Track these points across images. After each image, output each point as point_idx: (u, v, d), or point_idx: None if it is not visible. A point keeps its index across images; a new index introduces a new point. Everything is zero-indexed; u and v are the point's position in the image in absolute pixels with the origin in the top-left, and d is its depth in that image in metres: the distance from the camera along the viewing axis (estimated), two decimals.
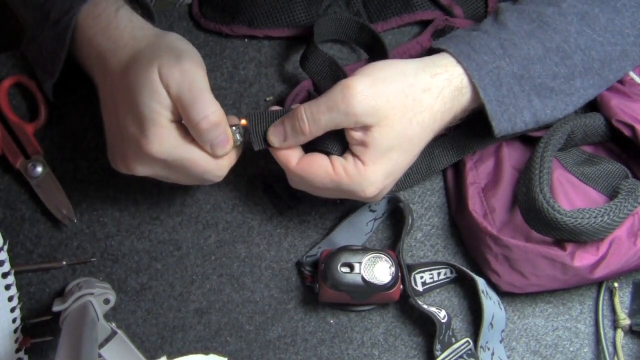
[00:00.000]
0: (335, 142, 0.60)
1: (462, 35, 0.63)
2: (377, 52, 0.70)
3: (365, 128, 0.57)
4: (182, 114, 0.57)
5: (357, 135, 0.58)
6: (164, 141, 0.57)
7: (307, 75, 0.68)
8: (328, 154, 0.60)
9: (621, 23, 0.63)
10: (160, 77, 0.56)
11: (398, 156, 0.59)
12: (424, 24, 0.74)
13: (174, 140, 0.57)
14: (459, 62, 0.60)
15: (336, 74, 0.65)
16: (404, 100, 0.58)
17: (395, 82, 0.58)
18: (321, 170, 0.59)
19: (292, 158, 0.60)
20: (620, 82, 0.67)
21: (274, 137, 0.60)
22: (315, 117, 0.58)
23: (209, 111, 0.56)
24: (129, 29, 0.60)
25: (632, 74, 0.67)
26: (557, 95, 0.62)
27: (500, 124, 0.61)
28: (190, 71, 0.56)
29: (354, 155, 0.59)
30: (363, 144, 0.58)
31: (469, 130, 0.67)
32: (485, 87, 0.60)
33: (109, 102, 0.60)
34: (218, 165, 0.60)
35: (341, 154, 0.60)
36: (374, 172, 0.59)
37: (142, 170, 0.59)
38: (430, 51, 0.64)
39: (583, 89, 0.63)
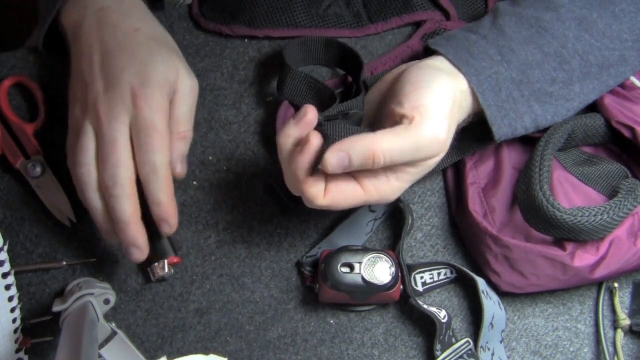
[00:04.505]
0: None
1: (460, 38, 0.62)
2: (351, 65, 0.70)
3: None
4: (172, 115, 0.63)
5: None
6: (155, 102, 0.60)
7: (287, 99, 0.67)
8: None
9: (619, 28, 0.63)
10: (177, 78, 0.63)
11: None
12: (423, 23, 0.74)
13: (163, 105, 0.61)
14: (457, 68, 0.60)
15: (319, 91, 0.65)
16: (452, 127, 0.59)
17: (452, 113, 0.58)
18: (351, 198, 0.58)
19: (320, 193, 0.57)
20: (621, 86, 0.66)
21: (336, 159, 0.54)
22: (392, 155, 0.55)
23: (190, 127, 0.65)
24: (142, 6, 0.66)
25: (633, 78, 0.67)
26: (556, 100, 0.62)
27: (501, 129, 0.61)
28: (195, 93, 0.65)
29: (385, 173, 0.58)
30: (410, 168, 0.58)
31: (469, 131, 0.67)
32: (484, 93, 0.60)
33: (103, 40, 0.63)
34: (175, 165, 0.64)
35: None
36: (402, 187, 0.59)
37: (105, 107, 0.60)
38: (425, 50, 0.64)
39: (583, 94, 0.63)
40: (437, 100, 0.57)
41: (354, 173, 0.58)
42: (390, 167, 0.57)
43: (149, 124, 0.59)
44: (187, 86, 0.64)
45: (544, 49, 0.61)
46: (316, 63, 0.72)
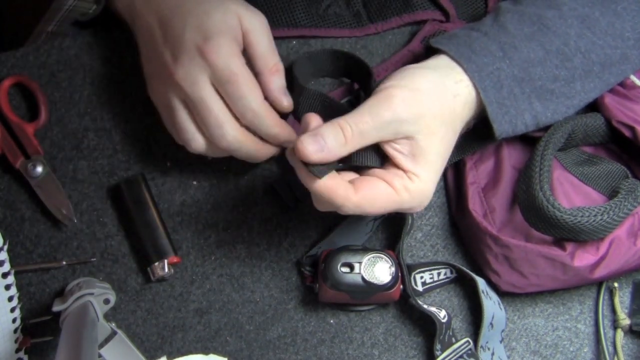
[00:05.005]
0: (372, 153, 0.58)
1: (461, 36, 0.62)
2: (358, 73, 0.70)
3: (409, 138, 0.56)
4: (255, 54, 0.62)
5: (403, 147, 0.57)
6: (224, 50, 0.59)
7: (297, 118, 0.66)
8: (363, 168, 0.58)
9: (621, 27, 0.63)
10: (240, 20, 0.61)
11: (442, 163, 0.59)
12: (424, 24, 0.74)
13: (234, 50, 0.60)
14: (459, 64, 0.60)
15: (333, 109, 0.64)
16: (441, 109, 0.57)
17: (431, 91, 0.57)
18: (384, 196, 0.56)
19: (350, 191, 0.55)
20: (621, 85, 0.66)
21: (311, 146, 0.54)
22: (360, 128, 0.55)
23: (278, 59, 0.64)
24: None
25: (633, 77, 0.67)
26: (557, 98, 0.62)
27: (501, 126, 0.61)
28: (266, 22, 0.63)
29: (405, 170, 0.57)
30: (412, 156, 0.57)
31: (469, 130, 0.67)
32: (485, 89, 0.60)
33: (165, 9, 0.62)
34: (264, 108, 0.61)
35: (381, 165, 0.58)
36: (431, 183, 0.58)
37: (184, 71, 0.60)
38: (427, 50, 0.64)
39: (584, 92, 0.63)
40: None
41: (378, 173, 0.57)
42: (403, 162, 0.57)
43: (227, 73, 0.59)
44: (254, 24, 0.62)
45: (546, 47, 0.61)
46: (324, 75, 0.72)
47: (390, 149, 0.57)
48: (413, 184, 0.57)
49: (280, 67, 0.64)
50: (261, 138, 0.63)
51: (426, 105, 0.57)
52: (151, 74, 0.64)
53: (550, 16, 0.62)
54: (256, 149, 0.63)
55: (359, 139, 0.56)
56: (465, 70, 0.59)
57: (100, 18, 0.69)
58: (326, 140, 0.55)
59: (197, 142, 0.63)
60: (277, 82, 0.63)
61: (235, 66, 0.60)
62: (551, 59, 0.61)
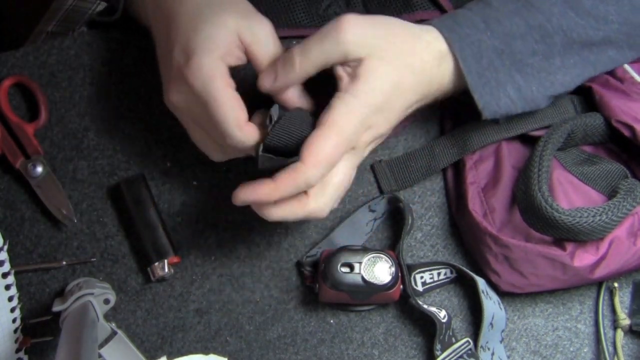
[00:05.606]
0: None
1: (447, 14, 0.63)
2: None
3: (357, 61, 0.56)
4: (261, 68, 0.59)
5: (349, 69, 0.57)
6: (204, 72, 0.56)
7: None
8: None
9: (605, 9, 0.63)
10: (239, 33, 0.58)
11: (389, 90, 0.57)
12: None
13: (216, 71, 0.57)
14: (440, 32, 0.60)
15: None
16: (394, 39, 0.57)
17: (388, 23, 0.58)
18: (321, 138, 0.55)
19: (296, 163, 0.55)
20: (620, 80, 0.66)
21: (266, 78, 0.58)
22: (306, 48, 0.56)
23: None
24: None
25: (632, 73, 0.67)
26: (538, 72, 0.62)
27: (483, 97, 0.61)
28: (271, 28, 0.60)
29: (341, 91, 0.57)
30: (354, 76, 0.56)
31: (468, 128, 0.67)
32: (465, 58, 0.60)
33: (176, 16, 0.59)
34: (243, 129, 0.57)
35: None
36: (366, 100, 0.56)
37: (175, 98, 0.58)
38: None
39: (564, 68, 0.63)
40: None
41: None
42: (343, 85, 0.57)
43: (204, 97, 0.56)
44: (257, 35, 0.59)
45: (528, 22, 0.61)
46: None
47: (339, 70, 0.57)
48: (345, 105, 0.56)
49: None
50: None
51: (376, 29, 0.57)
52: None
53: None
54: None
55: (307, 62, 0.56)
56: (446, 39, 0.60)
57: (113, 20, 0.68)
58: (277, 68, 0.57)
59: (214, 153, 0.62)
60: (289, 90, 0.60)
61: (213, 89, 0.56)
62: (532, 34, 0.61)
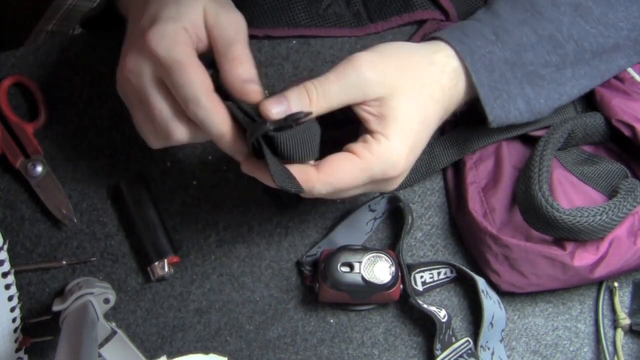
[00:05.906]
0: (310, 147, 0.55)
1: (455, 25, 0.63)
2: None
3: (379, 100, 0.55)
4: (217, 49, 0.55)
5: (372, 109, 0.56)
6: (167, 38, 0.54)
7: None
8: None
9: (614, 16, 0.63)
10: (205, 14, 0.56)
11: (418, 128, 0.57)
12: (424, 24, 0.74)
13: (180, 38, 0.54)
14: (451, 46, 0.60)
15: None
16: (412, 72, 0.57)
17: (400, 55, 0.57)
18: (347, 164, 0.55)
19: (311, 171, 0.54)
20: (620, 79, 0.66)
21: (275, 105, 0.53)
22: (325, 88, 0.54)
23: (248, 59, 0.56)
24: None
25: (633, 72, 0.67)
26: (549, 84, 0.62)
27: (494, 110, 0.61)
28: (240, 21, 0.57)
29: (372, 132, 0.56)
30: (381, 116, 0.56)
31: (468, 128, 0.67)
32: (477, 71, 0.60)
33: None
34: (210, 95, 0.54)
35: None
36: (400, 144, 0.56)
37: (132, 63, 0.55)
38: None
39: (574, 79, 0.63)
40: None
41: (347, 147, 0.56)
42: (372, 124, 0.56)
43: (169, 61, 0.53)
44: (223, 22, 0.56)
45: (538, 32, 0.61)
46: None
47: (361, 111, 0.56)
48: (378, 145, 0.55)
49: (245, 60, 0.56)
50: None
51: (393, 66, 0.56)
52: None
53: (543, 3, 0.62)
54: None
55: (323, 100, 0.55)
56: (458, 53, 0.59)
57: (105, 18, 0.68)
58: (290, 101, 0.54)
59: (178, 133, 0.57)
60: (240, 71, 0.55)
61: (177, 53, 0.53)
62: (543, 44, 0.61)
